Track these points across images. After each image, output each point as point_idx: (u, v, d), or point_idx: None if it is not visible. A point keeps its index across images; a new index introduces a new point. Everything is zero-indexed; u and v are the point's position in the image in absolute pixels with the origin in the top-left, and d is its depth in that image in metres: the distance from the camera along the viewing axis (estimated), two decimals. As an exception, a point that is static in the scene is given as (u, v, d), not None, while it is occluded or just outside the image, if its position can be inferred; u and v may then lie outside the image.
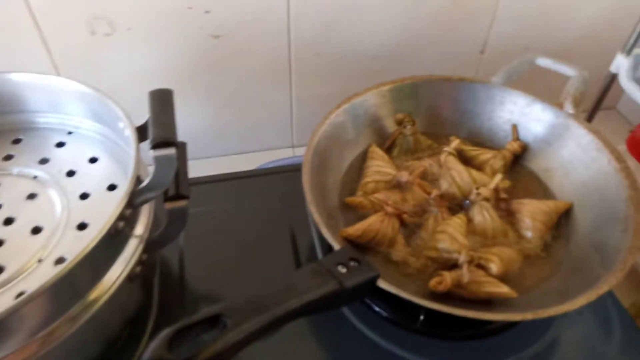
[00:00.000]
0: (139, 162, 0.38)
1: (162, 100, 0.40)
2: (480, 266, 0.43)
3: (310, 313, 0.35)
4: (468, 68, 0.79)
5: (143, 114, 0.41)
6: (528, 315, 0.37)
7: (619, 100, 0.94)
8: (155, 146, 0.36)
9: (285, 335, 0.37)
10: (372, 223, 0.45)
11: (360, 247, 0.46)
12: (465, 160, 0.54)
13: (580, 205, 0.49)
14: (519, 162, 0.55)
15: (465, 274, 0.41)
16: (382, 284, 0.38)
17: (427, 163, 0.53)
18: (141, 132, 0.40)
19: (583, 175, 0.50)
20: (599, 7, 0.75)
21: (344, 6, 0.67)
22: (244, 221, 0.55)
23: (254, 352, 0.34)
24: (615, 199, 0.46)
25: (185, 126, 0.58)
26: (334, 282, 0.35)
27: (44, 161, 0.45)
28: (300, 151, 0.49)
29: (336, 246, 0.40)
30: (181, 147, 0.40)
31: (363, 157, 0.55)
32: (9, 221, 0.40)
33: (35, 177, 0.43)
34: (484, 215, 0.47)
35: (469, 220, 0.47)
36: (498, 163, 0.53)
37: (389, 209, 0.46)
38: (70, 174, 0.44)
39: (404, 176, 0.50)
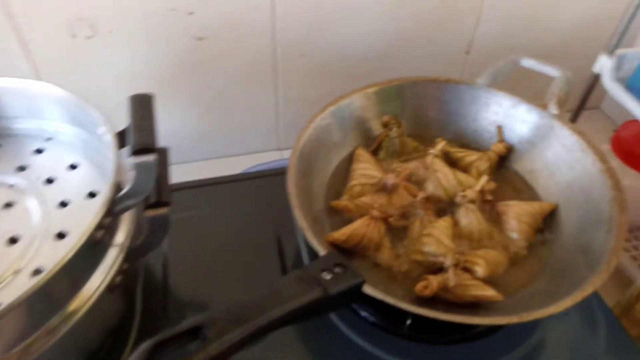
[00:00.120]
0: (118, 168, 0.37)
1: (142, 105, 0.40)
2: (466, 269, 0.43)
3: (294, 321, 0.34)
4: (454, 68, 0.79)
5: (126, 118, 0.40)
6: (514, 319, 0.37)
7: (602, 100, 0.95)
8: (135, 152, 0.35)
9: (271, 342, 0.37)
10: (357, 227, 0.45)
11: (346, 251, 0.45)
12: (452, 162, 0.54)
13: (565, 206, 0.50)
14: (504, 164, 0.55)
15: (452, 277, 0.41)
16: (368, 289, 0.37)
17: (413, 165, 0.53)
18: (121, 138, 0.39)
19: (568, 176, 0.50)
20: (583, 8, 0.76)
21: (329, 7, 0.66)
22: (230, 227, 0.55)
23: (239, 361, 0.33)
24: (600, 199, 0.46)
25: (168, 129, 0.57)
26: (318, 289, 0.34)
27: (21, 168, 0.44)
28: (287, 154, 0.48)
29: (321, 251, 0.40)
30: (162, 153, 0.39)
31: (349, 160, 0.54)
32: (-16, 231, 0.39)
33: (12, 186, 0.42)
34: (469, 218, 0.47)
35: (455, 223, 0.47)
36: (484, 165, 0.53)
37: (375, 213, 0.46)
38: (49, 181, 0.43)
39: (391, 179, 0.49)
